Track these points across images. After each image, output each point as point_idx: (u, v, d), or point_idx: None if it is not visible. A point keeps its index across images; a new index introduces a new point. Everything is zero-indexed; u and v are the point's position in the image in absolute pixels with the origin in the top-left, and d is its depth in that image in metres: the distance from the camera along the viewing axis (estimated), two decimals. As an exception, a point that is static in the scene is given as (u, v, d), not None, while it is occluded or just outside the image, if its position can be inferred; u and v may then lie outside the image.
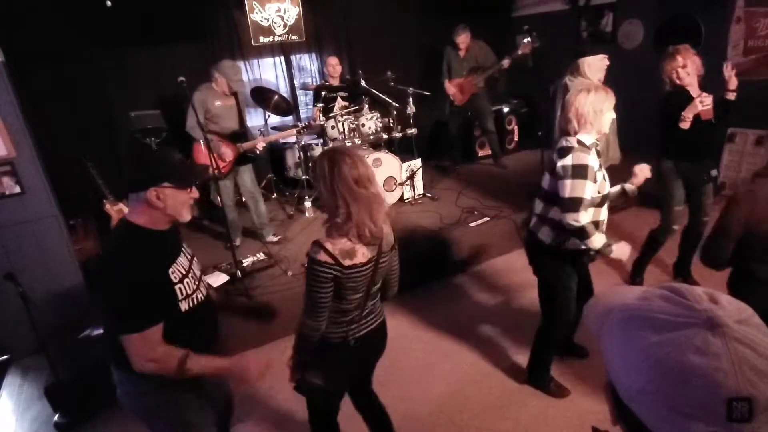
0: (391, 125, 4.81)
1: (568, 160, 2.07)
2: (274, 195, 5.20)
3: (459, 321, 3.35)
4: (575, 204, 2.06)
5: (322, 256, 1.57)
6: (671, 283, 0.61)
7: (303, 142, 4.80)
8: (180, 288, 1.50)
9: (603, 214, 2.22)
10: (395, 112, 4.81)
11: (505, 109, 6.09)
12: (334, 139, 4.64)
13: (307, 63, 5.71)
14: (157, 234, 1.50)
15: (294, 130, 4.36)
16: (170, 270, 1.48)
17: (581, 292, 2.40)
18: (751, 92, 4.51)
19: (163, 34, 4.45)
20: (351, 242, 1.59)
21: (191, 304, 1.54)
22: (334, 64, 5.02)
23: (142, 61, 4.59)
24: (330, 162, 1.57)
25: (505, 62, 5.02)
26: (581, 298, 2.38)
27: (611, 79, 5.53)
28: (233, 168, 3.89)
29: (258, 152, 3.96)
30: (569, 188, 2.06)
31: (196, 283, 1.60)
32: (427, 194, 4.92)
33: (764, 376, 0.49)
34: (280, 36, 5.28)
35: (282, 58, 5.51)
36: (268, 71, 5.49)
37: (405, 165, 4.72)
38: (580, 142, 2.11)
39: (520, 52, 4.91)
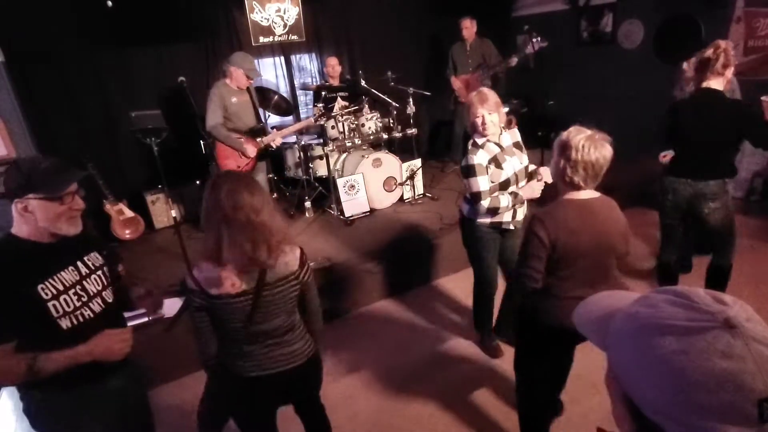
0: (391, 125, 4.81)
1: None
2: (274, 195, 5.20)
3: (459, 320, 3.35)
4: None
5: (188, 282, 1.53)
6: (671, 287, 0.60)
7: (303, 142, 4.80)
8: (55, 305, 1.39)
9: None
10: (395, 112, 4.81)
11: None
12: (334, 139, 4.64)
13: (307, 63, 5.70)
14: (37, 246, 1.41)
15: (311, 119, 4.36)
16: (40, 286, 1.37)
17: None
18: (751, 92, 4.53)
19: (163, 34, 4.44)
20: (218, 269, 1.49)
21: (75, 321, 1.44)
22: (334, 65, 5.02)
23: (142, 61, 4.59)
24: (211, 186, 1.50)
25: (513, 60, 5.00)
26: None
27: (611, 80, 5.57)
28: (256, 165, 3.89)
29: (274, 147, 3.96)
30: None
31: (84, 298, 1.48)
32: (427, 194, 4.92)
33: None
34: (280, 36, 5.27)
35: (282, 58, 5.51)
36: (268, 71, 5.48)
37: (405, 165, 4.72)
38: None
39: (527, 51, 4.90)
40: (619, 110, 5.34)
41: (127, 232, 4.38)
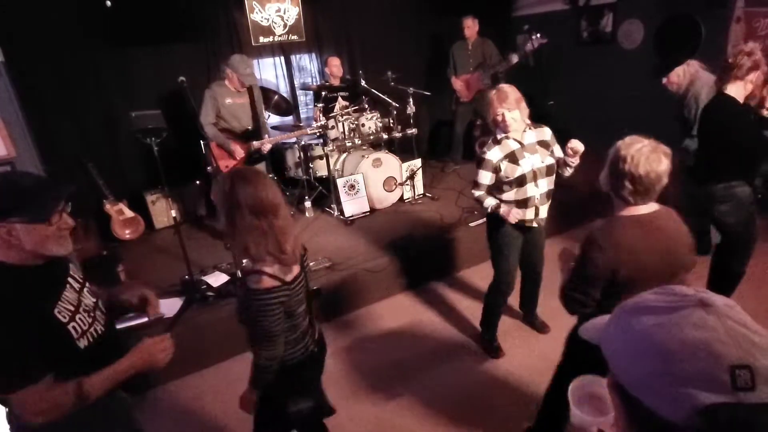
0: (391, 125, 4.81)
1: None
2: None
3: (462, 319, 3.35)
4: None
5: (268, 282, 1.48)
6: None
7: (303, 142, 4.80)
8: (74, 326, 1.31)
9: (530, 191, 2.57)
10: (395, 112, 4.81)
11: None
12: (334, 139, 4.64)
13: (307, 63, 5.70)
14: (30, 270, 1.28)
15: (305, 130, 4.38)
16: (56, 310, 1.28)
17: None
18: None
19: (163, 34, 4.44)
20: (283, 261, 1.54)
21: (90, 339, 1.37)
22: (337, 65, 5.01)
23: (142, 61, 4.59)
24: (229, 191, 1.47)
25: (514, 58, 5.02)
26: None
27: (611, 80, 5.57)
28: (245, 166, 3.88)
29: (263, 153, 3.96)
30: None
31: (92, 314, 1.41)
32: (427, 194, 4.92)
33: (759, 348, 0.52)
34: (280, 36, 5.27)
35: (282, 58, 5.50)
36: (268, 71, 5.48)
37: (405, 165, 4.72)
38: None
39: (528, 48, 4.91)
40: (618, 110, 5.34)
41: (127, 232, 4.38)
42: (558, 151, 2.64)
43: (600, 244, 1.60)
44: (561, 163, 2.61)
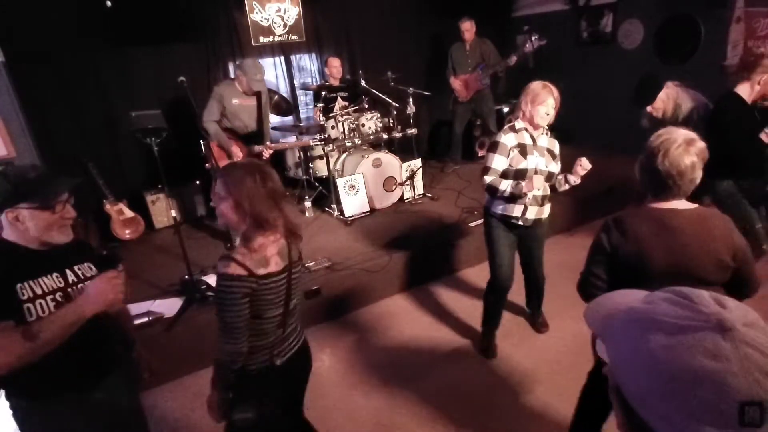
0: (391, 125, 4.81)
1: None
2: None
3: (460, 318, 3.35)
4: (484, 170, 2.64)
5: (234, 269, 1.47)
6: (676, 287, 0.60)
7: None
8: (29, 308, 1.35)
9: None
10: (395, 112, 4.81)
11: (506, 110, 6.09)
12: (334, 139, 4.64)
13: (307, 63, 5.70)
14: (26, 250, 1.41)
15: (308, 141, 4.41)
16: (19, 285, 1.35)
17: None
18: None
19: (163, 34, 4.44)
20: (263, 250, 1.53)
21: None
22: (337, 65, 5.01)
23: (142, 61, 4.59)
24: (261, 175, 1.55)
25: (512, 59, 5.04)
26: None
27: (611, 80, 5.57)
28: None
29: (264, 158, 3.96)
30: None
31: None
32: (427, 194, 4.92)
33: None
34: (280, 36, 5.28)
35: (282, 58, 5.51)
36: (268, 71, 5.47)
37: (405, 165, 4.72)
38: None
39: (526, 49, 4.94)
40: (619, 110, 5.34)
41: (127, 232, 4.38)
42: (559, 166, 2.69)
43: (609, 226, 1.62)
44: (562, 176, 2.63)
